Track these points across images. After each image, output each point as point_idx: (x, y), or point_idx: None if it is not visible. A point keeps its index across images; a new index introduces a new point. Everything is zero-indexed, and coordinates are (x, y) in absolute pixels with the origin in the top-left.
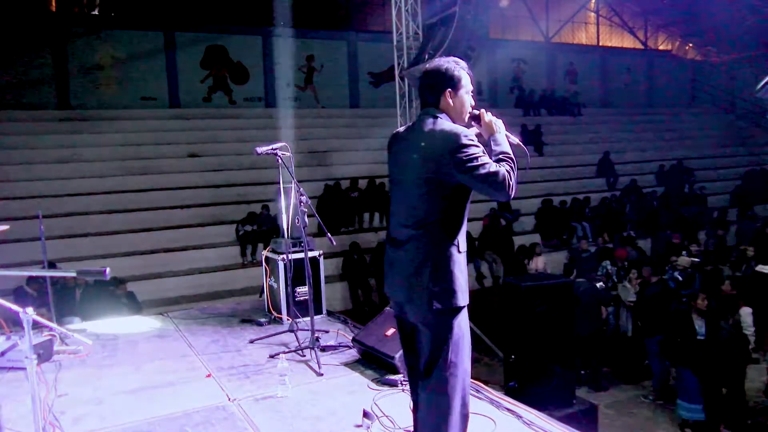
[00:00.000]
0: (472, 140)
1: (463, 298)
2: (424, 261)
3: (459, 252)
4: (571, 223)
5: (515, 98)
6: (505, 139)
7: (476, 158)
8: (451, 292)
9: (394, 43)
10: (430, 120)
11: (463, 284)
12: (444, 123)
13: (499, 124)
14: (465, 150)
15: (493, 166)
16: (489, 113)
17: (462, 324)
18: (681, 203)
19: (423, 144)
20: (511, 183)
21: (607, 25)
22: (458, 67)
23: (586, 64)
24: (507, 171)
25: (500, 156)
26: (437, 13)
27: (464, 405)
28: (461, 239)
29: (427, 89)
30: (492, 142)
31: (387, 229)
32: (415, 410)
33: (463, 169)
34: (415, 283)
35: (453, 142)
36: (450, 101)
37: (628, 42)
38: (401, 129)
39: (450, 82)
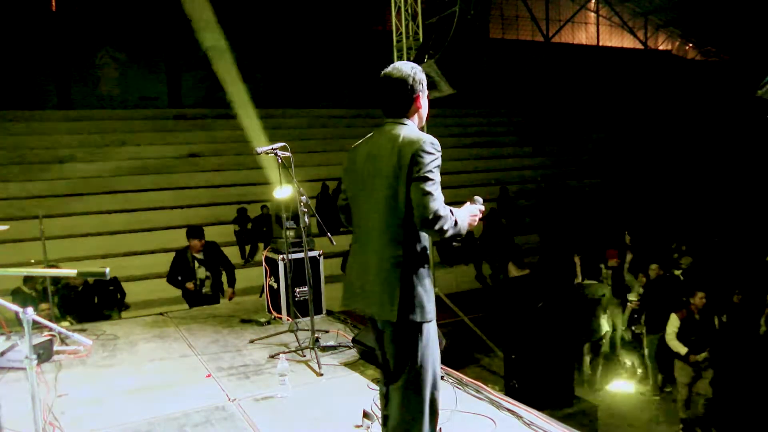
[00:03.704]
0: (435, 152)
1: (430, 312)
2: (390, 270)
3: (423, 266)
4: (571, 223)
5: (515, 98)
6: (467, 224)
7: (430, 171)
8: (419, 306)
9: (394, 43)
10: (400, 127)
11: (430, 296)
12: (413, 129)
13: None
14: (425, 156)
15: (439, 196)
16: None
17: (430, 330)
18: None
19: (394, 150)
20: (444, 226)
21: (607, 25)
22: (419, 70)
23: (586, 64)
24: (450, 215)
25: (457, 221)
26: (437, 13)
27: (433, 401)
28: (426, 252)
29: (396, 96)
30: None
31: (351, 243)
32: (384, 403)
33: (412, 172)
34: (380, 291)
35: (418, 146)
36: (420, 104)
37: (628, 42)
38: (360, 142)
39: (419, 86)
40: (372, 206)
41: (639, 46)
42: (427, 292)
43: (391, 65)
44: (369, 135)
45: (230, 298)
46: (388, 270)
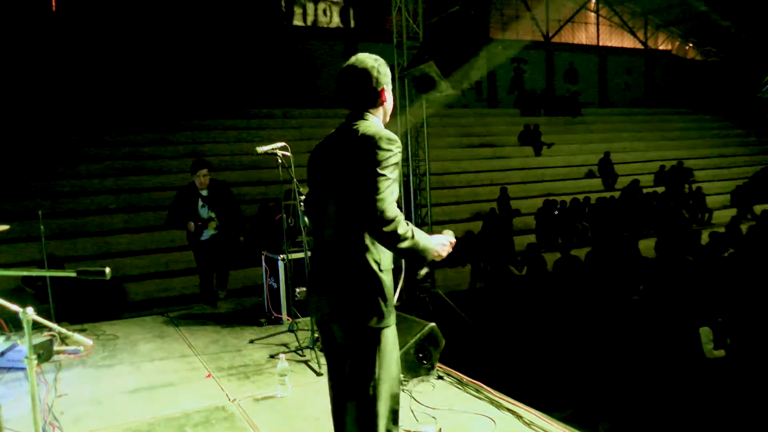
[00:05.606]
0: (393, 148)
1: (389, 317)
2: (351, 275)
3: (381, 270)
4: (571, 223)
5: (515, 98)
6: (431, 248)
7: (383, 167)
8: (378, 311)
9: (394, 43)
10: (361, 122)
11: (391, 301)
12: (374, 124)
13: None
14: (379, 152)
15: (389, 196)
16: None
17: (389, 338)
18: (681, 203)
19: (351, 146)
20: (398, 230)
21: (607, 25)
22: (383, 63)
23: (586, 64)
24: (405, 222)
25: (415, 234)
26: (437, 13)
27: (393, 415)
28: (386, 255)
29: (360, 88)
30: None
31: (314, 245)
32: (336, 412)
33: (365, 169)
34: (340, 297)
35: (373, 141)
36: (385, 98)
37: (628, 42)
38: (323, 139)
39: (385, 78)
40: (332, 206)
41: (639, 46)
42: (387, 296)
43: (354, 57)
44: (331, 132)
45: (236, 248)
46: (347, 271)
